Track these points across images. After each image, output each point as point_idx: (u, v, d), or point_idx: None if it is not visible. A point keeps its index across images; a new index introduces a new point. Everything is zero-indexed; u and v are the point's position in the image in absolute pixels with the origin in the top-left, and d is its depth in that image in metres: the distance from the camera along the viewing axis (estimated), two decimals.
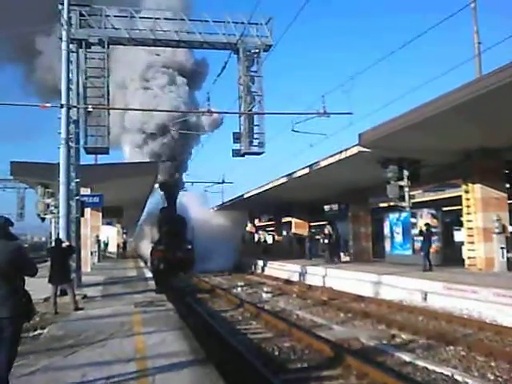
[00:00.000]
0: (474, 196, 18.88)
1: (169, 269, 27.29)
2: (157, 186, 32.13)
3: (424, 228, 19.70)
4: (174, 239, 28.91)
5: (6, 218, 5.38)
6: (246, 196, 36.44)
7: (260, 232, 55.32)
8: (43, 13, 21.44)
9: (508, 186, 19.26)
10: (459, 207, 21.86)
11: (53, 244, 13.89)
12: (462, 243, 21.58)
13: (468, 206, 19.25)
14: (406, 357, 8.75)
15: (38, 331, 9.27)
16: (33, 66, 28.84)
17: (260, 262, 31.26)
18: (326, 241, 27.91)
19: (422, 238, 19.76)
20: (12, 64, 31.27)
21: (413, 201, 19.67)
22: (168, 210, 31.68)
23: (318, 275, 21.81)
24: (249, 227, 50.36)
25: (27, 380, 5.93)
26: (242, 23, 18.05)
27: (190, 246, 29.29)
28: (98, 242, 31.05)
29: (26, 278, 5.23)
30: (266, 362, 8.56)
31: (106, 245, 43.39)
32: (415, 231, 22.26)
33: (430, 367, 8.08)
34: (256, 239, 50.42)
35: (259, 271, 30.58)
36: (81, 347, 7.63)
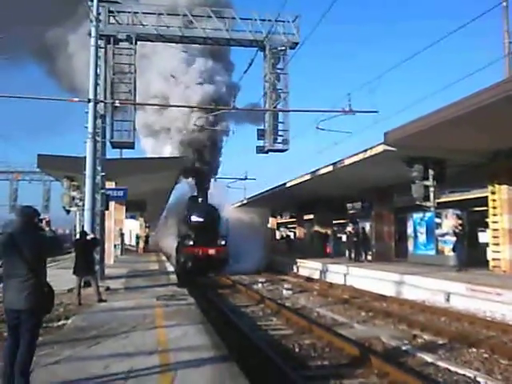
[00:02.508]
0: (500, 197, 18.59)
1: (198, 268, 24.13)
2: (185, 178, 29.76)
3: (458, 229, 19.54)
4: (206, 233, 25.25)
5: (34, 209, 5.44)
6: (268, 192, 36.33)
7: (281, 229, 55.34)
8: (68, 9, 21.81)
9: None
10: (484, 208, 21.56)
11: (78, 236, 14.12)
12: (486, 244, 21.28)
13: (494, 207, 18.96)
14: (428, 357, 8.69)
15: (62, 321, 9.46)
16: (56, 62, 29.14)
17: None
18: (355, 239, 27.46)
19: (455, 239, 19.60)
20: (37, 60, 31.12)
21: (437, 201, 19.46)
22: (199, 199, 27.70)
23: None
24: (270, 223, 50.35)
25: (51, 369, 6.05)
26: (269, 21, 18.05)
27: (223, 242, 25.61)
28: (122, 235, 31.32)
29: (48, 269, 5.31)
30: (286, 359, 8.59)
31: (138, 238, 42.96)
32: (439, 231, 22.03)
33: (453, 369, 8.01)
34: (278, 236, 50.43)
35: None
36: (104, 338, 7.76)
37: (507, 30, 17.44)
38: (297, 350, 9.52)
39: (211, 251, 24.75)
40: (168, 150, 29.48)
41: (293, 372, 7.57)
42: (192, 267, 24.16)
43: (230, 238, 26.25)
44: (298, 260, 28.16)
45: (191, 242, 25.06)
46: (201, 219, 25.82)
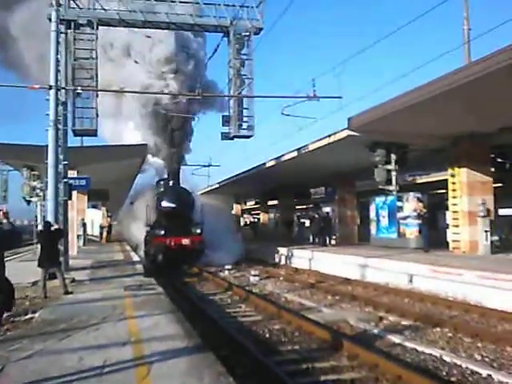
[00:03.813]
0: (459, 180, 19.13)
1: (170, 261, 21.49)
2: (151, 159, 27.49)
3: (423, 211, 20.07)
4: (179, 221, 22.54)
5: None
6: (233, 179, 36.29)
7: (245, 215, 55.56)
8: None
9: (493, 170, 19.53)
10: (443, 191, 22.15)
11: (41, 227, 13.81)
12: (446, 226, 21.90)
13: (454, 190, 19.51)
14: (395, 338, 8.95)
15: (30, 315, 9.27)
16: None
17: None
18: (320, 224, 27.60)
19: (420, 221, 20.16)
20: None
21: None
22: (169, 181, 24.43)
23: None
24: (234, 210, 50.45)
25: (24, 364, 5.94)
26: (233, 6, 17.93)
27: (199, 231, 22.67)
28: (84, 225, 30.76)
29: (9, 262, 5.16)
30: (257, 344, 8.69)
31: (102, 228, 41.35)
32: (401, 214, 22.52)
33: (419, 348, 8.28)
34: (242, 223, 50.58)
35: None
36: (74, 331, 7.66)
37: (467, 18, 17.84)
38: (267, 335, 9.63)
39: (185, 241, 22.01)
40: (131, 133, 28.04)
41: (265, 358, 7.66)
42: (163, 260, 21.56)
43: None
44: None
45: (162, 232, 22.15)
46: (173, 204, 22.76)
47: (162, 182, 25.17)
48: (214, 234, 23.95)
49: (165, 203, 22.97)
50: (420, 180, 27.75)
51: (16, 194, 28.26)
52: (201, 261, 22.34)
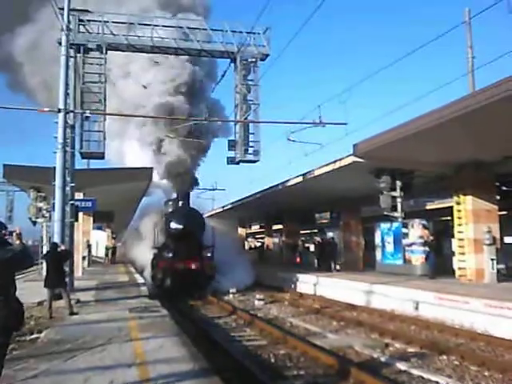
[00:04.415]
0: (465, 207, 19.12)
1: (178, 285, 20.08)
2: (158, 181, 25.83)
3: (430, 238, 20.05)
4: (189, 243, 21.05)
5: (0, 222, 5.24)
6: (238, 203, 36.38)
7: (249, 239, 55.43)
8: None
9: (498, 198, 19.53)
10: (449, 218, 22.10)
11: (47, 248, 13.85)
12: (451, 253, 21.81)
13: (459, 218, 19.48)
14: (401, 365, 8.88)
15: (35, 335, 9.30)
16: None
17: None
18: (327, 249, 27.49)
19: (426, 248, 20.16)
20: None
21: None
22: (179, 202, 22.84)
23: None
24: (239, 234, 50.37)
25: (30, 383, 5.93)
26: (240, 32, 18.29)
27: (209, 254, 21.41)
28: (89, 246, 30.80)
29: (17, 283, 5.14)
30: (262, 369, 8.64)
31: (108, 249, 41.72)
32: (406, 241, 22.45)
33: (426, 376, 8.21)
34: (247, 246, 50.46)
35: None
36: (80, 352, 7.65)
37: (471, 46, 18.06)
38: (272, 360, 9.57)
39: (195, 265, 20.53)
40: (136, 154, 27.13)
41: (271, 382, 7.61)
42: (172, 284, 20.22)
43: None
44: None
45: (170, 254, 20.84)
46: (182, 226, 21.19)
47: (170, 202, 23.86)
48: (224, 258, 22.44)
49: (174, 224, 21.45)
50: (425, 207, 27.76)
51: (22, 214, 28.37)
52: (211, 286, 21.10)
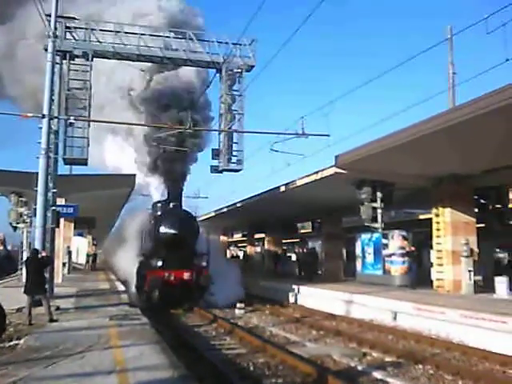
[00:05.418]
0: (444, 220, 19.43)
1: (169, 298, 18.10)
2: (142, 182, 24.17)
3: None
4: (181, 250, 18.74)
5: None
6: (220, 211, 36.44)
7: (231, 248, 55.45)
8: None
9: (476, 210, 19.90)
10: (427, 229, 22.45)
11: (27, 254, 13.80)
12: (430, 265, 22.12)
13: (438, 229, 19.79)
14: (378, 374, 9.05)
15: (14, 342, 9.26)
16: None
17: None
18: (305, 258, 27.73)
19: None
20: None
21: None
22: (170, 204, 20.23)
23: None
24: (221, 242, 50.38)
25: None
26: (226, 43, 18.49)
27: (204, 263, 19.12)
28: (69, 253, 30.53)
29: None
30: (241, 377, 8.73)
31: (89, 256, 41.35)
32: (386, 252, 22.75)
33: None
34: (229, 255, 50.46)
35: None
36: (60, 359, 7.67)
37: (451, 62, 18.47)
38: (251, 368, 9.66)
39: (187, 275, 18.25)
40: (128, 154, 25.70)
41: None
42: (160, 297, 17.89)
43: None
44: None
45: (159, 263, 18.47)
46: (173, 230, 18.74)
47: (159, 204, 21.07)
48: (217, 267, 20.01)
49: (163, 229, 18.89)
50: (406, 218, 28.16)
51: (1, 220, 28.07)
52: (204, 299, 19.03)
